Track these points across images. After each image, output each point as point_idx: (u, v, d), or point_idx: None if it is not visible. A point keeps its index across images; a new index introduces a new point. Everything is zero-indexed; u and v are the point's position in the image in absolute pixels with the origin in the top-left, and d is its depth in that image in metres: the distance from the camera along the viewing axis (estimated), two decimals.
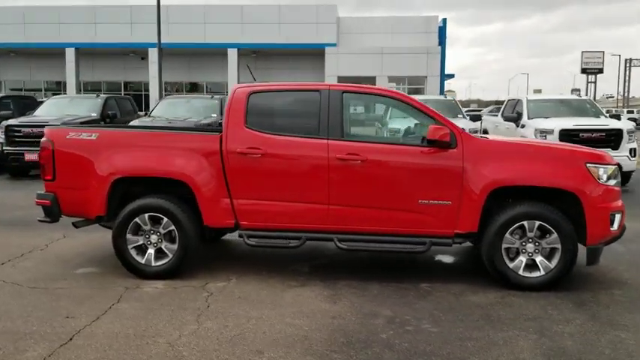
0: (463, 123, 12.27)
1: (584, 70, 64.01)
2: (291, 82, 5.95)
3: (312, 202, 5.39)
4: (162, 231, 5.49)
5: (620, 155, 11.32)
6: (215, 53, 37.53)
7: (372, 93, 5.76)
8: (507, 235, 5.22)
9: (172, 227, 5.44)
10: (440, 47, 36.89)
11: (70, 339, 4.12)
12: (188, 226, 5.44)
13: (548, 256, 5.23)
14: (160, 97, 24.67)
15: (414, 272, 5.89)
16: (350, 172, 5.32)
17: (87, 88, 40.49)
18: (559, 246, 5.17)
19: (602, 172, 5.23)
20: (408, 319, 4.53)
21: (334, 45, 37.01)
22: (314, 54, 37.68)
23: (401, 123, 7.45)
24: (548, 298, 5.05)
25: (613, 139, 11.98)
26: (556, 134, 12.01)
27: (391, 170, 5.33)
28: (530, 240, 5.23)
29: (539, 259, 5.23)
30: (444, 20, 40.66)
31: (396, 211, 5.34)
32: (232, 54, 37.15)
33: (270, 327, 4.36)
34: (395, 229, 5.37)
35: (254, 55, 39.16)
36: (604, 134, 12.14)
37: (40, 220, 5.84)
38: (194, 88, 42.55)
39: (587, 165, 5.22)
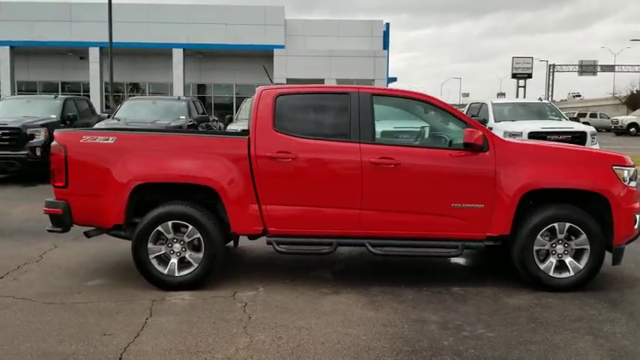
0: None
1: (514, 75, 66.36)
2: (299, 85, 5.77)
3: (344, 207, 5.27)
4: (187, 239, 5.21)
5: None
6: (160, 53, 36.57)
7: (400, 96, 5.69)
8: (539, 237, 5.27)
9: (198, 235, 5.18)
10: (385, 51, 37.39)
11: (120, 358, 3.83)
12: (215, 234, 5.20)
13: (576, 257, 5.32)
14: (106, 98, 23.75)
15: (437, 275, 5.87)
16: (383, 176, 5.23)
17: (21, 88, 38.52)
18: (588, 247, 5.27)
19: (627, 174, 5.37)
20: (459, 325, 4.48)
21: (282, 47, 36.83)
22: (262, 56, 37.32)
23: (384, 125, 7.46)
24: (581, 298, 5.14)
25: (577, 140, 12.47)
26: (525, 136, 12.38)
27: (424, 174, 5.28)
28: (560, 241, 5.30)
29: (568, 260, 5.31)
30: (387, 25, 41.31)
31: (429, 215, 5.29)
32: (178, 54, 36.30)
33: (326, 337, 4.21)
34: (427, 234, 5.32)
35: (200, 55, 38.45)
36: (569, 136, 12.65)
37: (50, 231, 5.43)
38: (135, 88, 41.31)
39: (614, 167, 5.35)
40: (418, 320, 4.57)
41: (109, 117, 14.50)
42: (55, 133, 5.37)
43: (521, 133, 12.45)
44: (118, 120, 13.06)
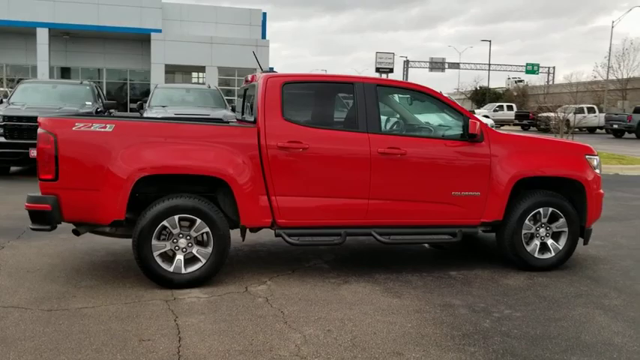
0: (222, 113, 12.09)
1: (377, 69, 69.26)
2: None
3: (353, 197, 5.27)
4: (194, 234, 4.91)
5: None
6: (22, 32, 33.36)
7: (403, 87, 5.77)
8: (526, 221, 5.66)
9: (206, 229, 4.90)
10: (268, 40, 37.30)
11: None
12: (223, 228, 4.96)
13: (555, 239, 5.79)
14: None
15: (426, 261, 6.06)
16: (390, 165, 5.30)
17: None
18: (566, 229, 5.76)
19: (595, 162, 5.94)
20: (484, 307, 4.70)
21: (159, 31, 35.30)
22: (138, 40, 35.59)
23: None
24: (565, 277, 5.61)
25: None
26: None
27: (428, 164, 5.43)
28: (542, 225, 5.74)
29: (549, 241, 5.77)
30: (264, 15, 41.25)
31: (431, 203, 5.46)
32: (42, 34, 33.42)
33: (373, 327, 4.21)
34: (429, 221, 5.49)
35: (66, 36, 35.70)
36: None
37: (33, 229, 4.84)
38: None
39: (586, 156, 5.89)
40: (444, 305, 4.71)
41: (1, 102, 13.00)
42: (42, 119, 4.77)
43: None
44: (14, 105, 11.74)
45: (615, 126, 34.89)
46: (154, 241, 4.81)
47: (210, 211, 4.90)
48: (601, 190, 5.97)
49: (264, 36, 40.52)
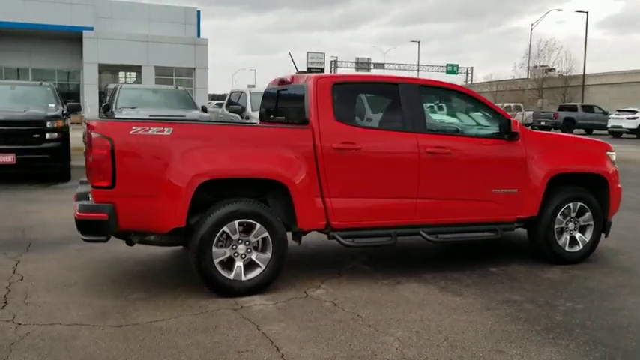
0: (197, 114, 12.17)
1: (309, 69, 69.57)
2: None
3: (402, 197, 5.28)
4: (253, 239, 4.76)
5: None
6: None
7: (443, 87, 5.82)
8: (558, 216, 5.86)
9: (265, 234, 4.76)
10: (207, 39, 36.56)
11: None
12: (282, 232, 4.84)
13: (582, 232, 6.03)
14: None
15: (457, 259, 6.16)
16: (437, 165, 5.35)
17: None
18: (592, 223, 6.02)
19: (614, 158, 6.24)
20: (545, 301, 4.82)
21: (91, 29, 33.82)
22: (68, 38, 33.94)
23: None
24: (595, 268, 5.86)
25: None
26: None
27: (471, 162, 5.52)
28: (571, 219, 5.97)
29: (577, 235, 6.01)
30: (199, 13, 40.48)
31: (474, 201, 5.56)
32: None
33: (458, 326, 4.22)
34: (471, 219, 5.59)
35: None
36: None
37: (87, 240, 4.53)
38: None
39: (607, 153, 6.18)
40: (507, 301, 4.80)
41: None
42: (96, 123, 4.46)
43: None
44: None
45: (542, 123, 36.82)
46: (214, 248, 4.62)
47: (270, 216, 4.77)
48: (619, 185, 6.27)
49: (199, 34, 39.71)
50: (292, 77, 5.50)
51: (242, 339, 3.91)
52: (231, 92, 15.71)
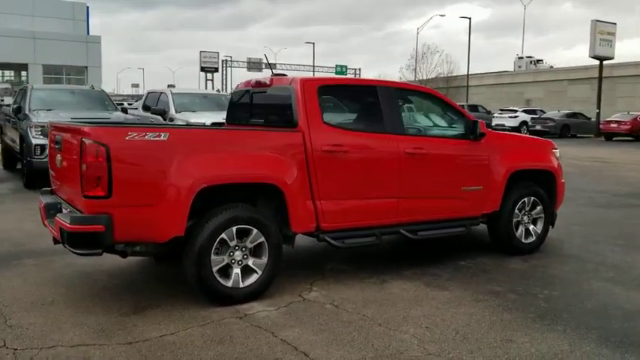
0: (121, 116, 11.85)
1: (203, 69, 68.19)
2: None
3: (386, 197, 5.42)
4: (250, 245, 4.69)
5: None
6: None
7: (416, 90, 6.02)
8: (516, 210, 6.29)
9: (262, 239, 4.71)
10: (99, 37, 34.78)
11: None
12: (277, 236, 4.81)
13: (534, 224, 6.51)
14: None
15: (425, 255, 6.41)
16: (414, 165, 5.54)
17: None
18: (542, 215, 6.51)
19: (558, 155, 6.79)
20: (523, 290, 5.15)
21: None
22: None
23: None
24: (550, 257, 6.35)
25: None
26: None
27: (444, 161, 5.78)
28: (526, 213, 6.42)
29: (531, 227, 6.47)
30: (87, 8, 38.54)
31: (447, 199, 5.83)
32: None
33: (461, 318, 4.41)
34: (443, 216, 5.85)
35: None
36: None
37: (79, 254, 4.23)
38: None
39: (553, 150, 6.71)
40: (492, 292, 5.07)
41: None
42: (89, 128, 4.16)
43: (204, 124, 10.77)
44: None
45: None
46: (212, 256, 4.50)
47: (266, 221, 4.72)
48: (563, 180, 6.83)
49: (88, 31, 37.74)
50: (271, 79, 5.46)
51: (264, 347, 3.85)
52: (149, 93, 15.12)
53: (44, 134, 10.39)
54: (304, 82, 5.12)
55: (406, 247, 6.74)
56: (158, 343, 3.89)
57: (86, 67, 33.52)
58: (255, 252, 4.73)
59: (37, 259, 5.89)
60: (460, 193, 5.88)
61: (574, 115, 35.80)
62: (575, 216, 8.57)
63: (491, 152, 6.06)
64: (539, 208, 6.47)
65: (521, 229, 6.37)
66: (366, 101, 5.52)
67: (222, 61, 76.70)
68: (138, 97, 34.64)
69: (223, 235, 4.52)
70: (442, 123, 6.25)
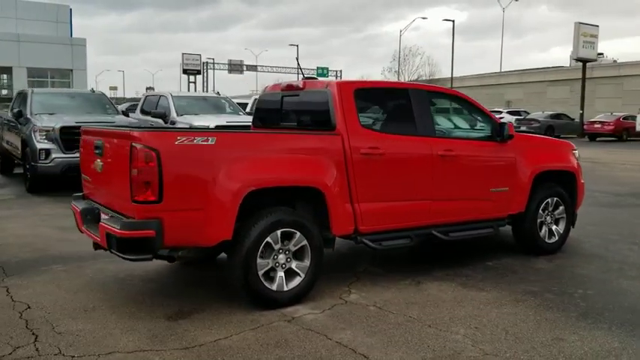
0: (124, 120, 11.79)
1: (185, 71, 67.68)
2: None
3: (419, 199, 5.46)
4: (293, 248, 4.70)
5: None
6: None
7: (445, 92, 6.07)
8: (540, 211, 6.38)
9: (304, 242, 4.72)
10: (85, 39, 34.38)
11: None
12: (319, 239, 4.82)
13: (557, 224, 6.61)
14: None
15: (449, 256, 6.46)
16: (446, 167, 5.59)
17: None
18: (564, 215, 6.61)
19: (577, 155, 6.90)
20: (558, 290, 5.22)
21: None
22: None
23: None
24: (574, 257, 6.45)
25: None
26: None
27: (473, 163, 5.84)
28: (549, 213, 6.51)
29: (554, 227, 6.57)
30: (71, 11, 38.13)
31: (475, 200, 5.89)
32: None
33: (505, 319, 4.48)
34: (472, 217, 5.91)
35: None
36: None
37: (129, 259, 4.19)
38: None
39: (573, 151, 6.81)
40: (529, 292, 5.13)
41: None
42: (137, 133, 4.13)
43: (208, 127, 11.11)
44: None
45: None
46: (258, 260, 4.50)
47: (309, 224, 4.73)
48: (583, 180, 6.94)
49: (71, 34, 37.32)
50: (304, 83, 5.47)
51: (322, 350, 3.86)
52: (146, 96, 15.02)
53: (49, 138, 10.28)
54: (341, 85, 5.14)
55: (431, 249, 6.78)
56: (215, 348, 3.87)
57: (71, 70, 33.09)
58: (298, 255, 4.73)
59: (64, 265, 5.82)
60: (488, 195, 5.95)
61: (558, 116, 36.30)
62: (585, 216, 8.65)
63: (517, 153, 6.14)
64: (561, 208, 6.56)
65: (544, 230, 6.46)
66: (399, 104, 5.56)
67: (203, 63, 76.41)
68: (116, 100, 34.18)
69: (268, 239, 4.52)
70: (469, 125, 6.31)
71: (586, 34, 35.62)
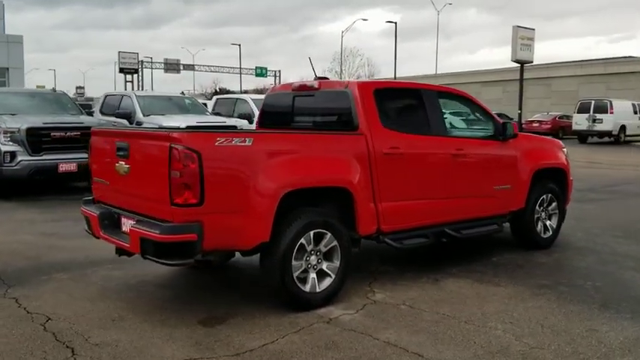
0: (93, 120, 11.55)
1: (122, 70, 65.73)
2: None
3: (434, 198, 5.54)
4: (324, 249, 4.66)
5: None
6: None
7: (451, 93, 6.15)
8: (537, 207, 6.60)
9: (335, 243, 4.69)
10: (21, 36, 32.78)
11: None
12: (347, 240, 4.81)
13: (550, 220, 6.86)
14: None
15: (457, 253, 6.58)
16: (456, 166, 5.70)
17: None
18: (557, 211, 6.87)
19: (566, 153, 7.18)
20: (568, 282, 5.42)
21: None
22: None
23: None
24: (569, 250, 6.72)
25: None
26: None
27: (480, 161, 5.97)
28: (544, 209, 6.75)
29: (548, 222, 6.81)
30: (3, 6, 36.34)
31: (482, 197, 6.03)
32: None
33: (532, 312, 4.61)
34: (479, 214, 6.05)
35: None
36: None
37: (170, 264, 4.05)
38: None
39: (562, 149, 7.09)
40: (543, 286, 5.28)
41: None
42: (177, 134, 3.97)
43: (179, 127, 10.21)
44: None
45: None
46: (293, 262, 4.44)
47: (339, 225, 4.71)
48: (571, 177, 7.22)
49: (4, 30, 35.54)
50: (320, 83, 5.43)
51: (375, 351, 3.85)
52: (106, 96, 14.47)
53: (14, 140, 9.77)
54: (361, 85, 5.15)
55: (432, 248, 6.86)
56: (266, 353, 3.79)
57: (7, 69, 31.46)
58: (327, 256, 4.70)
59: (67, 273, 5.55)
60: (493, 192, 6.10)
61: (498, 115, 37.42)
62: None
63: (517, 152, 6.32)
64: (554, 204, 6.81)
65: (540, 225, 6.68)
66: (414, 104, 5.62)
67: (138, 61, 74.38)
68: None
69: (302, 240, 4.47)
70: (475, 124, 6.44)
71: (523, 37, 36.89)
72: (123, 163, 4.49)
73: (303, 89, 5.62)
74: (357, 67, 68.03)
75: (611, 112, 31.10)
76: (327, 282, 4.67)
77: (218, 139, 4.09)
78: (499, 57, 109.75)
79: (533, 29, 37.57)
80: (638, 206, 10.23)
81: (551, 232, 6.80)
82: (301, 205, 4.58)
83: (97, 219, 4.73)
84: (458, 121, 6.47)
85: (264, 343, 3.95)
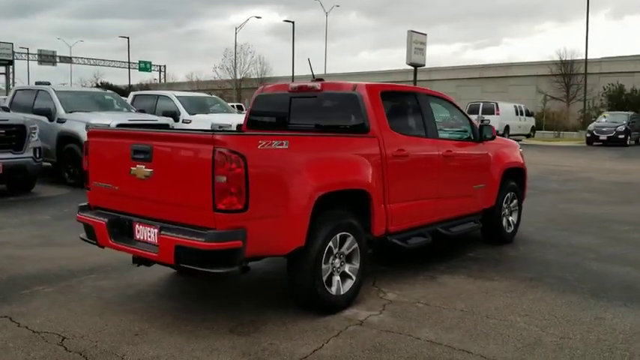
0: (13, 116, 10.52)
1: None
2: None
3: (429, 198, 5.72)
4: (346, 252, 4.66)
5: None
6: None
7: (438, 96, 6.30)
8: (503, 204, 7.01)
9: (356, 245, 4.70)
10: None
11: None
12: (365, 241, 4.84)
13: (512, 216, 7.31)
14: None
15: (436, 250, 6.80)
16: (446, 166, 5.92)
17: None
18: (517, 207, 7.34)
19: (521, 153, 7.67)
20: (550, 274, 5.79)
21: None
22: None
23: None
24: (532, 244, 7.18)
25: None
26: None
27: (463, 162, 6.25)
28: (508, 206, 7.18)
29: (510, 218, 7.25)
30: None
31: (464, 197, 6.31)
32: None
33: (536, 304, 4.89)
34: (461, 213, 6.32)
35: None
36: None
37: (214, 274, 3.82)
38: None
39: (520, 150, 7.57)
40: (532, 279, 5.60)
41: None
42: (220, 137, 3.74)
43: (109, 125, 9.93)
44: None
45: None
46: (322, 265, 4.40)
47: (359, 227, 4.73)
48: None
49: None
50: (322, 85, 5.39)
51: (424, 350, 3.91)
52: (17, 90, 13.27)
53: None
54: (369, 87, 5.18)
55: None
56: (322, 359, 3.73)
57: None
58: (349, 258, 4.70)
59: (50, 286, 5.10)
60: (472, 191, 6.40)
61: None
62: None
63: (490, 153, 6.67)
64: (515, 201, 7.26)
65: (505, 221, 7.10)
66: (412, 107, 5.74)
67: (12, 52, 68.88)
68: None
69: (330, 243, 4.44)
70: (456, 127, 6.69)
71: (417, 41, 38.67)
72: (142, 166, 4.19)
73: (303, 90, 5.55)
74: (248, 64, 67.72)
75: (497, 114, 33.49)
76: (348, 284, 4.67)
77: (260, 142, 3.94)
78: (378, 59, 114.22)
79: (426, 34, 39.49)
80: (552, 201, 11.04)
81: (513, 227, 7.25)
82: (325, 209, 4.53)
83: (105, 227, 4.37)
84: (443, 124, 6.68)
85: (313, 349, 3.88)
